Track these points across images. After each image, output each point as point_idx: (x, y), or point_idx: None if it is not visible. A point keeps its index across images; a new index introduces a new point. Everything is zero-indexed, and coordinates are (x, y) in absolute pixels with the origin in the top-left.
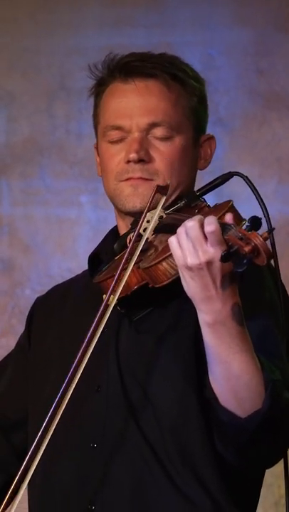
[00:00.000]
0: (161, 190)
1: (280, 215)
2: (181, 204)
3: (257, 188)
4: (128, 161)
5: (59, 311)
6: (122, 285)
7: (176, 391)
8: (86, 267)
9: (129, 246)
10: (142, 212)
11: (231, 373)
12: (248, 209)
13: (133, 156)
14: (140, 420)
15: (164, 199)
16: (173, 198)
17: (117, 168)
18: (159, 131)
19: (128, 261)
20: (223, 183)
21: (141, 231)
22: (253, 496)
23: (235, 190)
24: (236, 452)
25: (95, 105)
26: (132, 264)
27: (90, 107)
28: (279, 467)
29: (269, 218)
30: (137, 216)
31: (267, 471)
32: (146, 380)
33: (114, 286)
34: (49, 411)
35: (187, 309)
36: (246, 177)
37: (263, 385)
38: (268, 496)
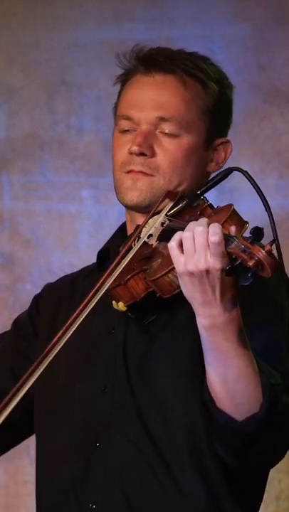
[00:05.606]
0: (171, 196)
1: (280, 210)
2: (182, 204)
3: (258, 183)
4: (131, 153)
5: (67, 304)
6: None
7: (184, 393)
8: (87, 262)
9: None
10: (142, 207)
11: (228, 377)
12: (250, 203)
13: (134, 148)
14: (146, 421)
15: (169, 205)
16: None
17: (122, 158)
18: (167, 127)
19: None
20: (224, 179)
21: (141, 235)
22: (256, 497)
23: (236, 186)
24: (234, 454)
25: (118, 94)
26: (119, 272)
27: (90, 102)
28: (281, 461)
29: (272, 214)
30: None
31: None
32: (153, 382)
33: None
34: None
35: (194, 313)
36: (246, 172)
37: (260, 390)
38: (269, 491)
